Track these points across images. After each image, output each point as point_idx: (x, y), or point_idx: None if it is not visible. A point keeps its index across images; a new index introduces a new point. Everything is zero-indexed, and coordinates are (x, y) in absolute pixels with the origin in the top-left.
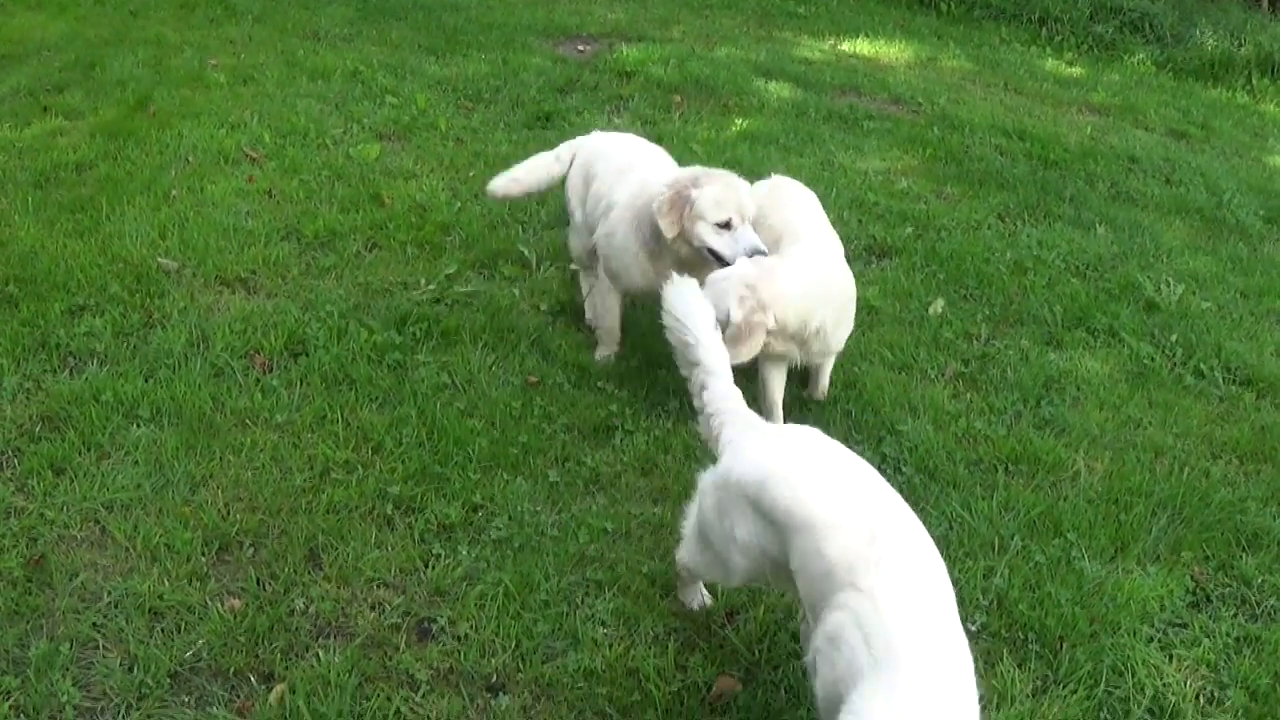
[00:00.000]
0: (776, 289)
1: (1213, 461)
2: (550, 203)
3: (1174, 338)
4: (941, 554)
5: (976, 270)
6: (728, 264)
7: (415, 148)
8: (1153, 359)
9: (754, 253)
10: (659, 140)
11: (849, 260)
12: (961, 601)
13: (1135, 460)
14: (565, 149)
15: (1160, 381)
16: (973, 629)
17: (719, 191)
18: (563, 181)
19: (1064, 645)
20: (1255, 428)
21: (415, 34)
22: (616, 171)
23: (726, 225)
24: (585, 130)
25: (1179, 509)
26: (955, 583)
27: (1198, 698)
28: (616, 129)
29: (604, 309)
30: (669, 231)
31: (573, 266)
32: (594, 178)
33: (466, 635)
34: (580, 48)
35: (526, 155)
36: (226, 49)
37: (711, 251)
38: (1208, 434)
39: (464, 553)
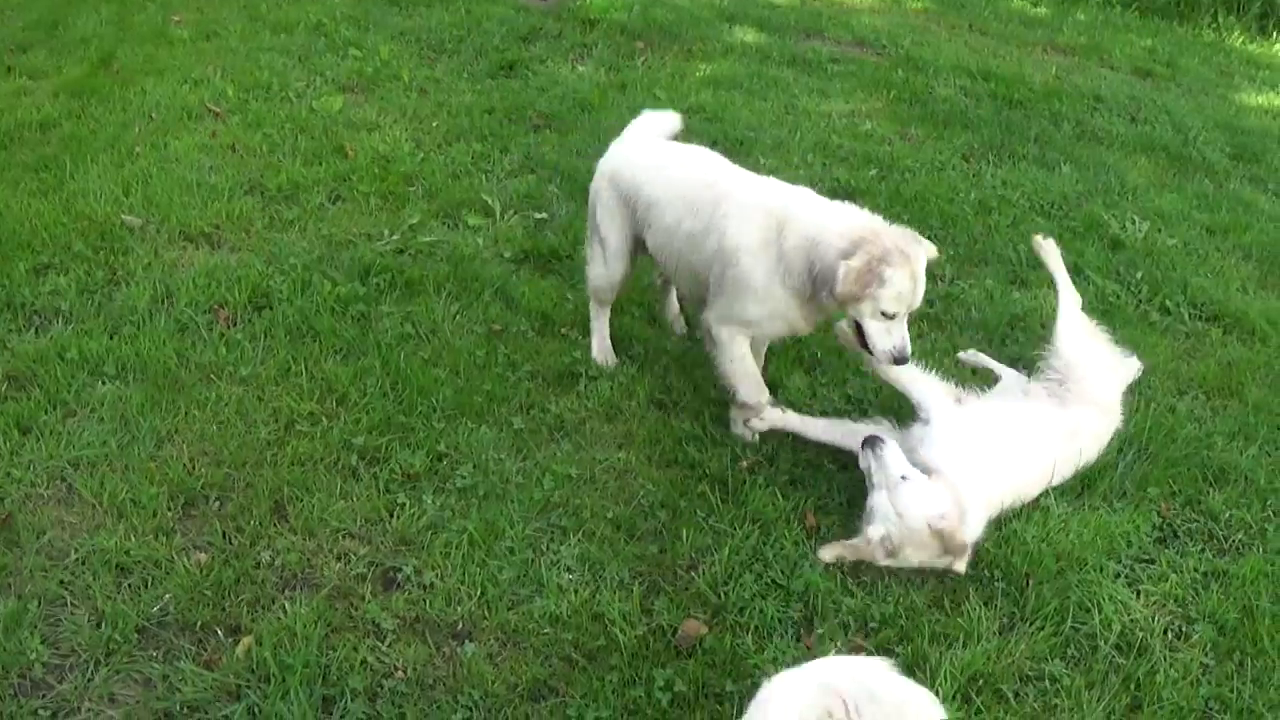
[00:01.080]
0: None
1: (1179, 397)
2: (513, 150)
3: (1139, 275)
4: None
5: (941, 211)
6: (869, 352)
7: (378, 99)
8: (1118, 296)
9: (900, 359)
10: (623, 89)
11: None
12: None
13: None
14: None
15: (1126, 318)
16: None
17: (904, 283)
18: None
19: (1030, 583)
20: (1221, 363)
21: None
22: (705, 199)
23: (892, 316)
24: (549, 78)
25: (1145, 445)
26: None
27: (1165, 633)
28: (580, 77)
29: (740, 364)
30: (843, 300)
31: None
32: (637, 200)
33: (432, 584)
34: None
35: (491, 105)
36: (189, 4)
37: (860, 331)
38: (1174, 370)
39: (429, 502)
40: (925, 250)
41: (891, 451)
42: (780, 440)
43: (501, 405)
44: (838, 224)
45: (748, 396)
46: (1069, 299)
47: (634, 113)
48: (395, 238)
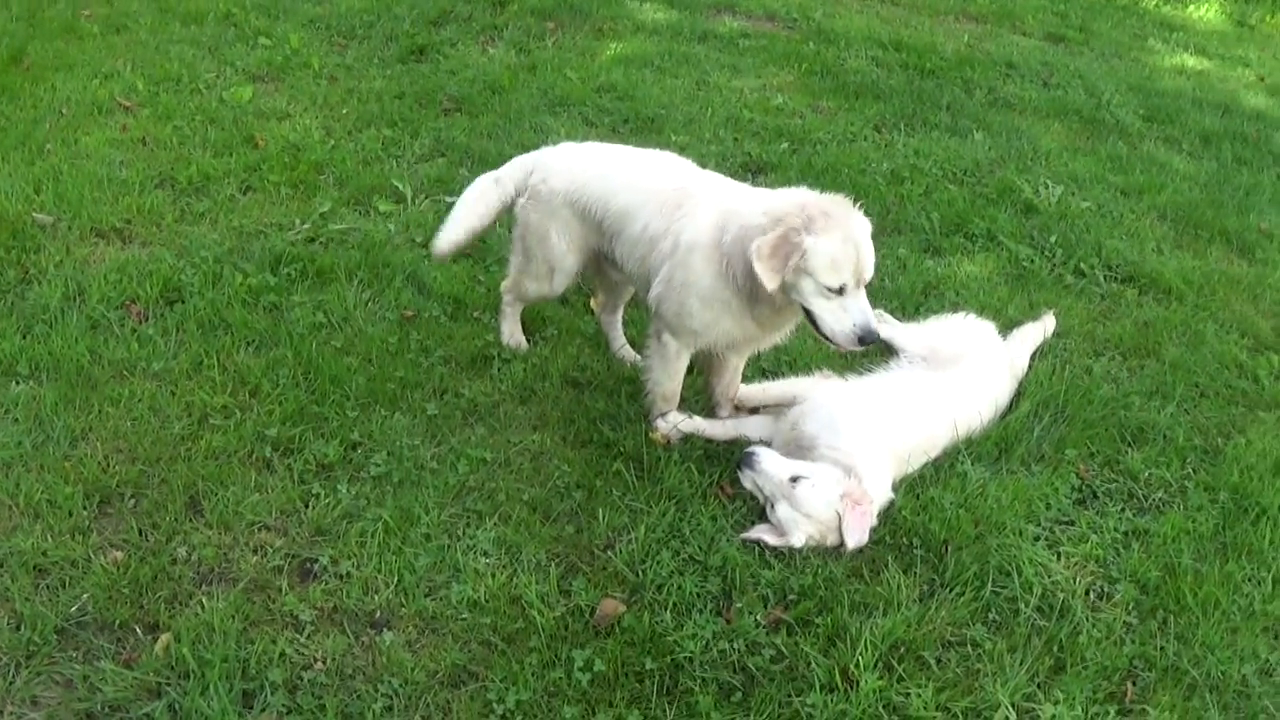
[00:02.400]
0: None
1: (1095, 359)
2: (424, 135)
3: (1053, 239)
4: None
5: (853, 182)
6: (827, 339)
7: (289, 88)
8: (1032, 260)
9: (865, 337)
10: (533, 70)
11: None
12: None
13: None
14: (513, 170)
15: (1040, 282)
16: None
17: (836, 248)
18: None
19: (949, 549)
20: (1138, 323)
21: None
22: (672, 202)
23: (839, 290)
24: (460, 61)
25: (1062, 408)
26: None
27: (1087, 593)
28: (490, 59)
29: (670, 373)
30: (769, 283)
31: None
32: (605, 214)
33: (349, 573)
34: None
35: (401, 90)
36: None
37: (811, 318)
38: (1089, 332)
39: (344, 491)
40: (859, 218)
41: (768, 460)
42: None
43: (415, 391)
44: (768, 205)
45: (659, 402)
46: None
47: (545, 94)
48: (306, 227)
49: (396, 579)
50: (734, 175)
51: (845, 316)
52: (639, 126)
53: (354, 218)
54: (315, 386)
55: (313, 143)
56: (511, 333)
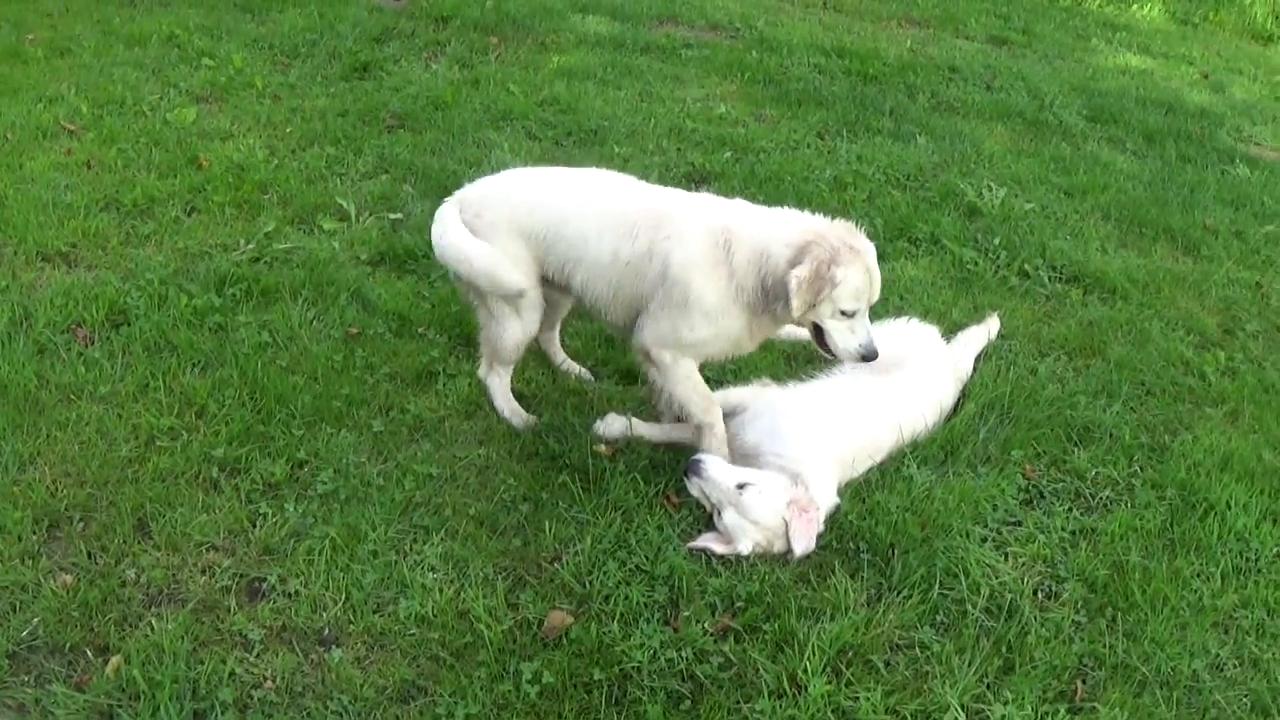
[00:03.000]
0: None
1: (1041, 359)
2: (367, 152)
3: (997, 241)
4: None
5: (796, 189)
6: (833, 356)
7: (232, 108)
8: (976, 263)
9: (867, 356)
10: (476, 85)
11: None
12: None
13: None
14: (451, 219)
15: (985, 285)
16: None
17: (859, 279)
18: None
19: (896, 552)
20: (1082, 323)
21: None
22: (642, 222)
23: (852, 313)
24: (403, 78)
25: (1008, 409)
26: None
27: (1035, 593)
28: (433, 75)
29: (693, 384)
30: (799, 310)
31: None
32: (557, 240)
33: (297, 592)
34: None
35: (345, 108)
36: (43, 22)
37: (820, 336)
38: (1034, 332)
39: (291, 510)
40: (870, 245)
41: (715, 467)
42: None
43: (360, 409)
44: (782, 232)
45: (703, 415)
46: None
47: (488, 109)
48: (251, 247)
49: (344, 596)
50: (678, 185)
51: (853, 337)
52: (582, 139)
53: (298, 236)
54: (261, 406)
55: (257, 162)
56: (513, 411)
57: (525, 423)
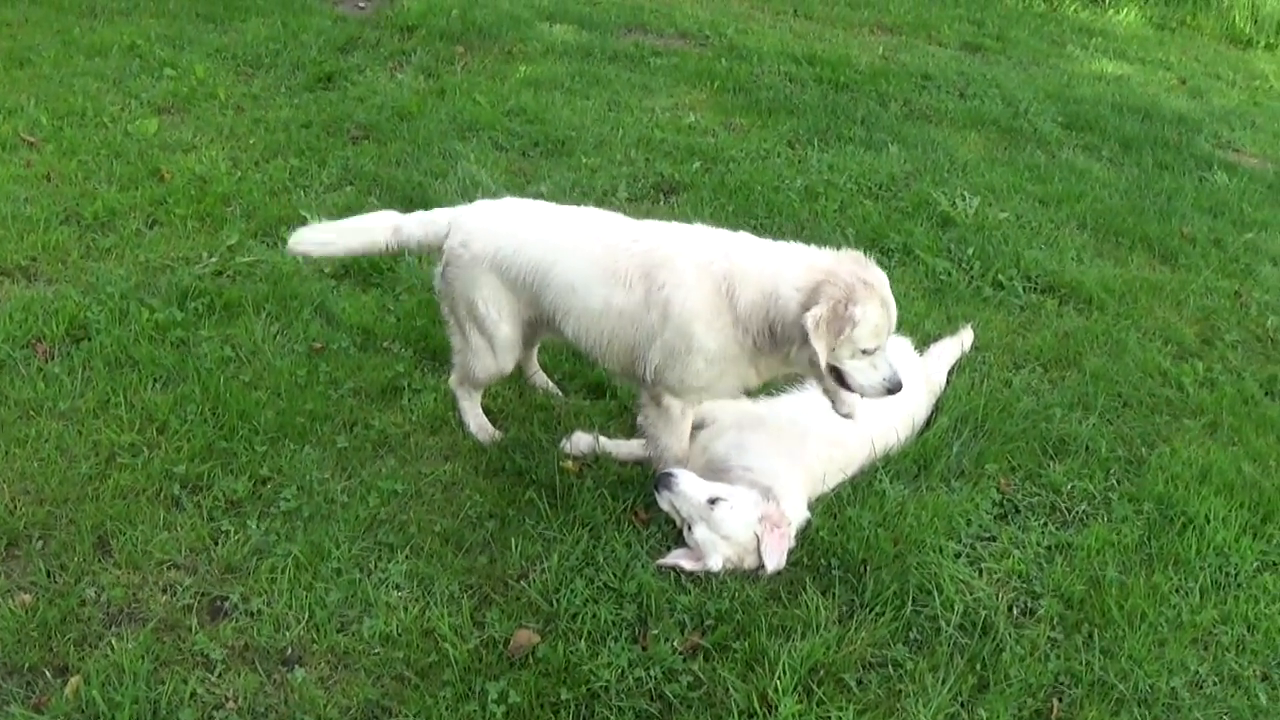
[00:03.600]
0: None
1: (1015, 371)
2: (331, 163)
3: (971, 251)
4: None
5: (766, 199)
6: (852, 392)
7: (195, 119)
8: (950, 274)
9: (894, 389)
10: (442, 95)
11: (637, 200)
12: None
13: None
14: (422, 221)
15: (958, 295)
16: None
17: (878, 316)
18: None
19: (868, 569)
20: (1058, 334)
21: (193, 2)
22: (635, 269)
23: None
24: (368, 88)
25: (981, 422)
26: None
27: (1010, 610)
28: (399, 85)
29: (678, 434)
30: (823, 354)
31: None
32: (544, 285)
33: (259, 610)
34: (361, 4)
35: (309, 119)
36: (2, 31)
37: (839, 376)
38: (1009, 344)
39: (253, 527)
40: (883, 275)
41: (686, 481)
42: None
43: (324, 424)
44: (790, 273)
45: (675, 460)
46: None
47: (454, 119)
48: (213, 260)
49: (308, 615)
50: (646, 196)
51: (874, 373)
52: (549, 149)
53: (262, 250)
54: (223, 422)
55: (219, 174)
56: (480, 426)
57: (491, 438)
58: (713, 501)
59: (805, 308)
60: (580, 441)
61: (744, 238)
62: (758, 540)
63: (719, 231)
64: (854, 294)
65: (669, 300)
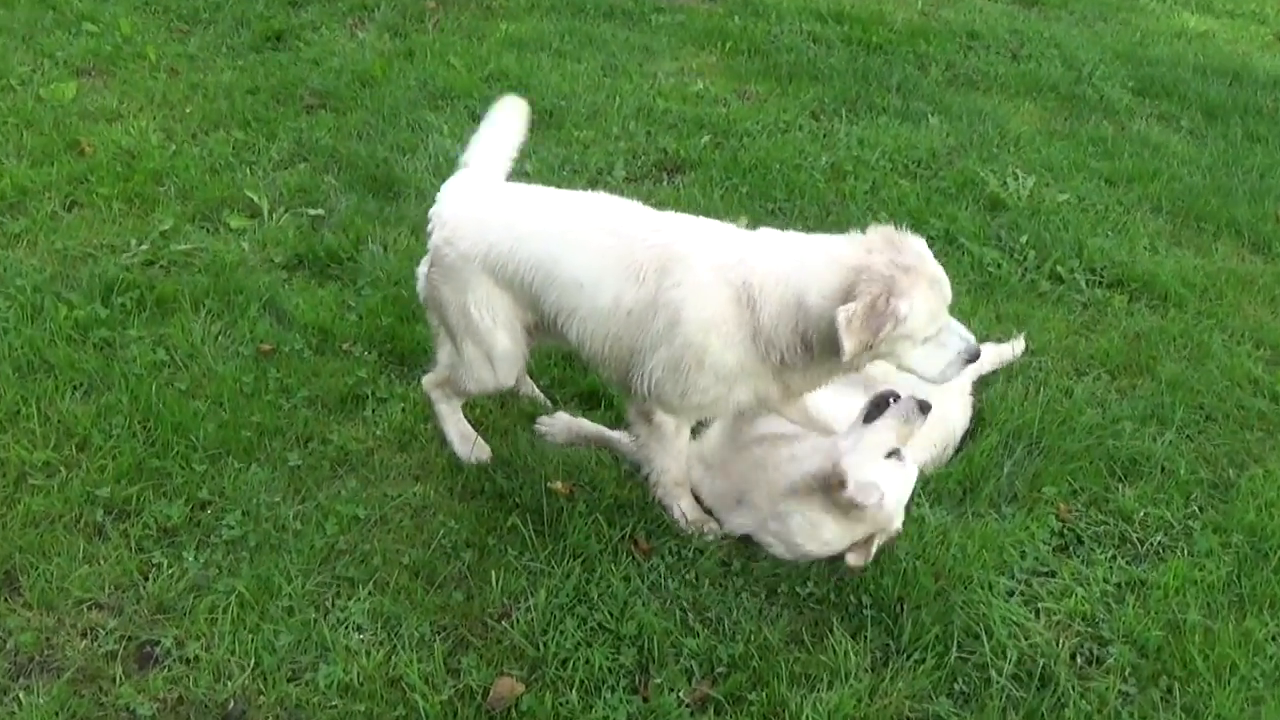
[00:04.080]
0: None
1: (1077, 379)
2: (282, 136)
3: (1025, 239)
4: None
5: (786, 179)
6: (929, 380)
7: (120, 83)
8: (999, 265)
9: (972, 357)
10: (410, 57)
11: (637, 180)
12: (789, 568)
13: (984, 385)
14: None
15: (1010, 291)
16: (801, 595)
17: (930, 299)
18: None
19: (905, 607)
20: (1127, 335)
21: None
22: (648, 262)
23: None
24: (324, 48)
25: (1037, 438)
26: None
27: (1073, 658)
28: (360, 45)
29: (674, 453)
30: (853, 350)
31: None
32: (548, 285)
33: (197, 657)
34: None
35: (255, 84)
36: None
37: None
38: (1070, 347)
39: (190, 559)
40: (921, 245)
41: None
42: (597, 461)
43: (274, 439)
44: (817, 279)
45: (669, 491)
46: None
47: (424, 85)
48: (144, 248)
49: (253, 661)
50: (647, 175)
51: (944, 352)
52: (536, 121)
53: (200, 236)
54: (156, 437)
55: (150, 148)
56: (463, 436)
57: (476, 453)
58: (894, 454)
59: (840, 311)
60: (559, 424)
61: (765, 235)
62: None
63: (740, 231)
64: (894, 286)
65: (681, 305)
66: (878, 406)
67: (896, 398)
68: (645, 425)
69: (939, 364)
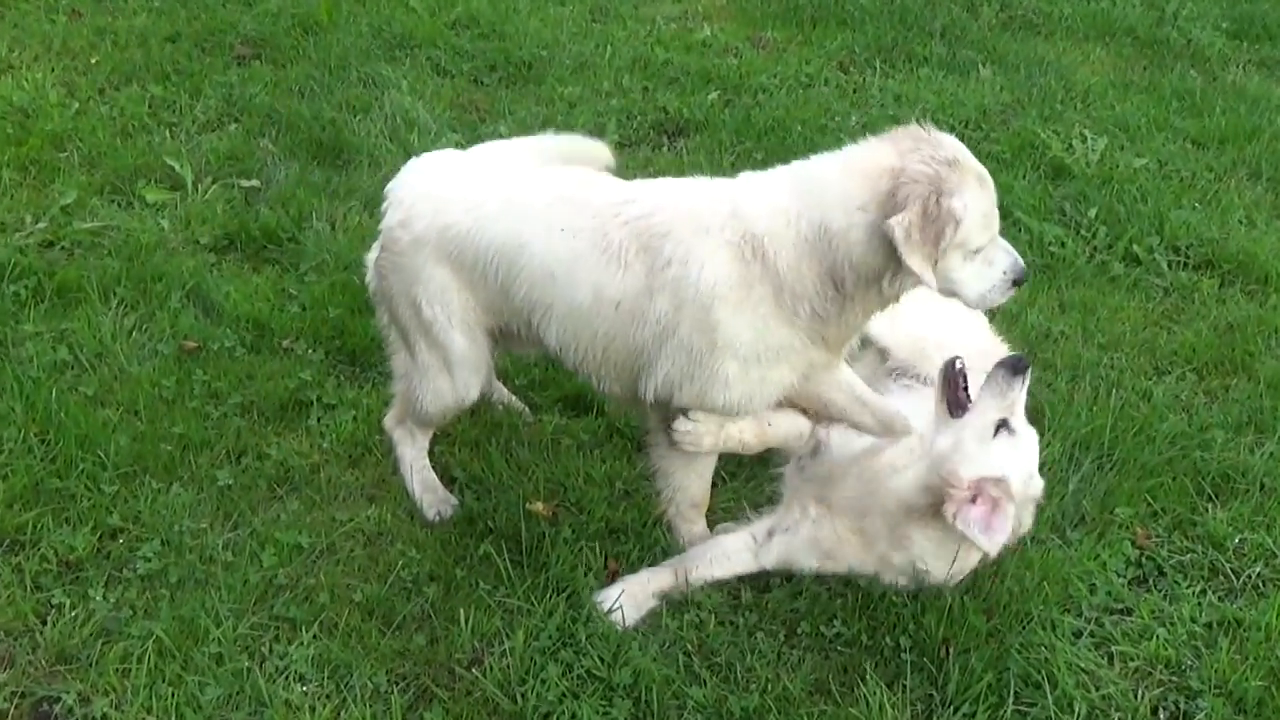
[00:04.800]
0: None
1: (1157, 379)
2: (209, 93)
3: (1094, 213)
4: None
5: (809, 143)
6: (969, 304)
7: (10, 27)
8: (1063, 244)
9: (1019, 279)
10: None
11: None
12: (810, 603)
13: (1044, 386)
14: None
15: (1076, 274)
16: (827, 636)
17: (983, 200)
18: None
19: (951, 651)
20: (1218, 327)
21: None
22: (630, 240)
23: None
24: None
25: (1109, 450)
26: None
27: (1156, 712)
28: None
29: (698, 471)
30: (921, 267)
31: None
32: (515, 274)
33: (105, 715)
34: None
35: (175, 30)
36: None
37: (952, 292)
38: (1148, 341)
39: (98, 598)
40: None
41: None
42: (586, 477)
43: (200, 454)
44: (840, 192)
45: (694, 521)
46: None
47: (379, 32)
48: (41, 226)
49: (175, 719)
50: (644, 140)
51: (990, 271)
52: (511, 75)
53: (110, 212)
54: (57, 452)
55: (47, 106)
56: (427, 486)
57: (441, 510)
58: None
59: (885, 219)
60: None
61: (748, 179)
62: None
63: (717, 182)
64: (943, 183)
65: (680, 282)
66: (951, 384)
67: (962, 367)
68: (664, 440)
69: (985, 284)
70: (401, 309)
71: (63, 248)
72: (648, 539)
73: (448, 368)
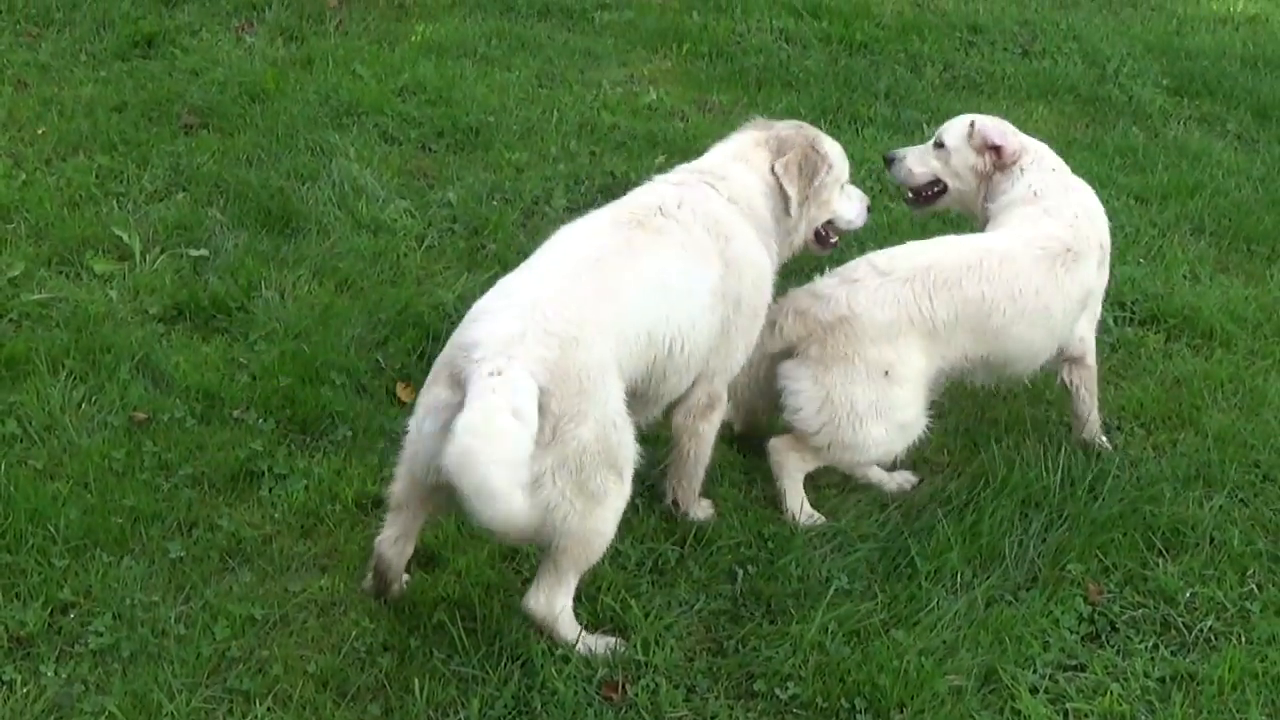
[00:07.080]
0: None
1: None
2: (156, 162)
3: None
4: None
5: None
6: (844, 232)
7: None
8: None
9: (868, 206)
10: (309, 66)
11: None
12: (765, 664)
13: (991, 442)
14: None
15: None
16: (782, 699)
17: (838, 147)
18: None
19: (906, 711)
20: (1165, 381)
21: None
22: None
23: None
24: (206, 56)
25: (1058, 506)
26: (753, 636)
27: None
28: (248, 52)
29: (704, 455)
30: (799, 197)
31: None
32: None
33: None
34: None
35: (122, 99)
36: None
37: (832, 227)
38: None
39: (49, 674)
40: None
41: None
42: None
43: (151, 526)
44: (743, 174)
45: (696, 495)
46: None
47: (326, 100)
48: None
49: None
50: (592, 204)
51: (854, 202)
52: (458, 141)
53: (58, 283)
54: (7, 526)
55: None
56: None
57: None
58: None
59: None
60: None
61: (681, 172)
62: None
63: (659, 183)
64: (813, 139)
65: (735, 255)
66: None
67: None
68: (706, 424)
69: (858, 208)
70: None
71: (10, 320)
72: (598, 601)
73: None
